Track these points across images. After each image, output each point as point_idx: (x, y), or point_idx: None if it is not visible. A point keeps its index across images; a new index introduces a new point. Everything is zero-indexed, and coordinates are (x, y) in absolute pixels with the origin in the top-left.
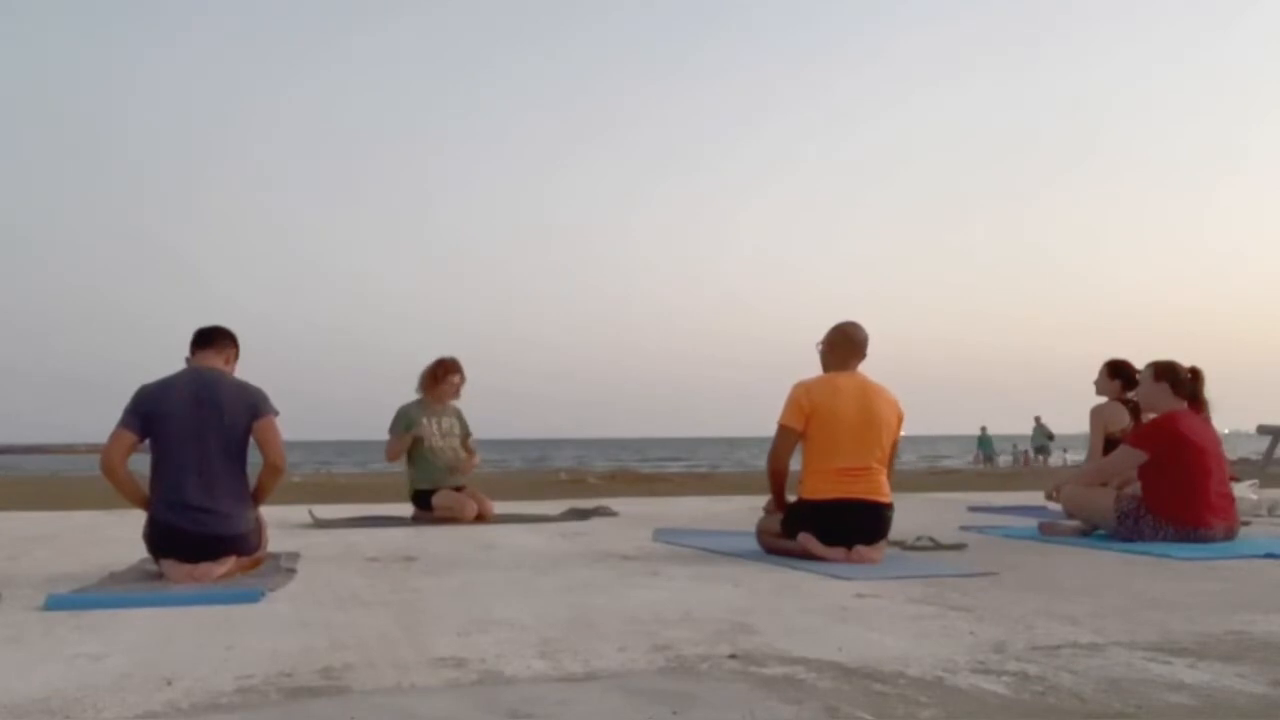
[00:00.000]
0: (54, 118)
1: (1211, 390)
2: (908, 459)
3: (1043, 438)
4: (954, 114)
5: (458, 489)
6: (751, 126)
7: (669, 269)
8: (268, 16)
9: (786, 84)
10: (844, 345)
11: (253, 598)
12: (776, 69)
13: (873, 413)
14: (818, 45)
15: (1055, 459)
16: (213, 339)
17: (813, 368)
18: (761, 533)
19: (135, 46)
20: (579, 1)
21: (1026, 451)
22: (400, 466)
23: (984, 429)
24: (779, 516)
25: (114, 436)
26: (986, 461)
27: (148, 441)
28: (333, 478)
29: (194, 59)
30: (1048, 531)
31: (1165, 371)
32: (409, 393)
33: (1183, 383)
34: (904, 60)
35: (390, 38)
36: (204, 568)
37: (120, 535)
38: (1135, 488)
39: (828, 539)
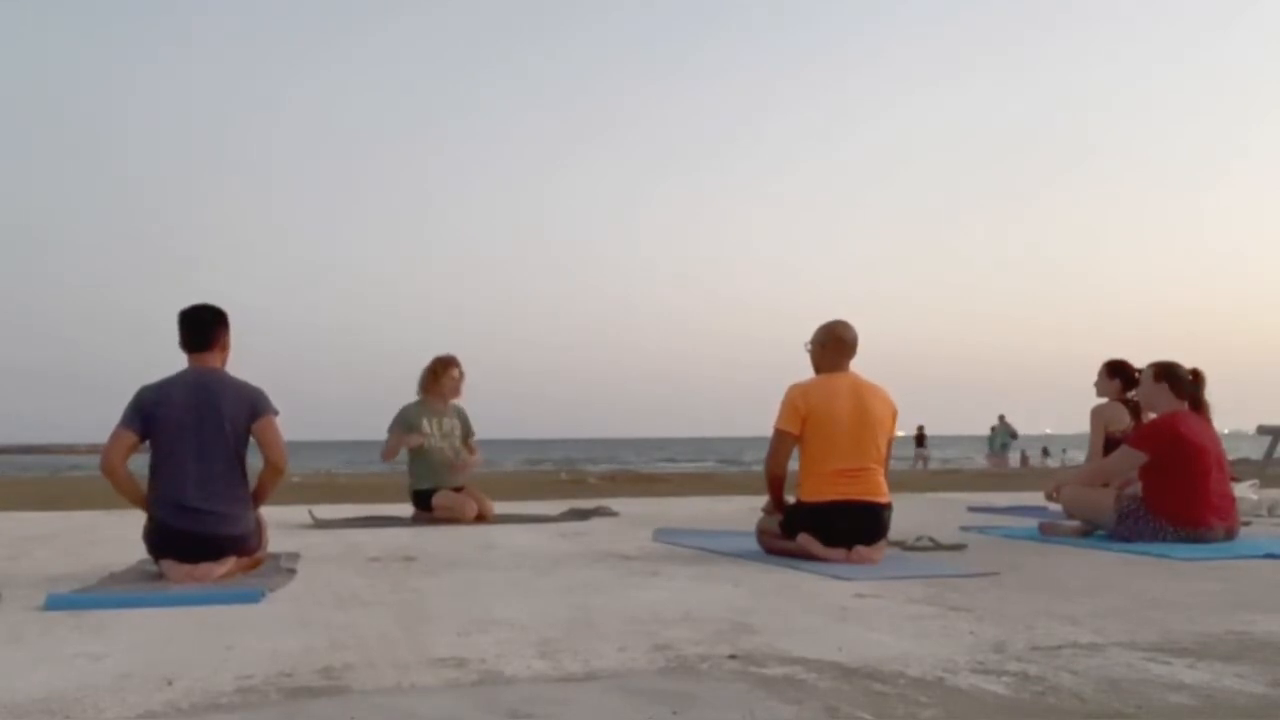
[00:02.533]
0: (55, 118)
1: (1213, 392)
2: (942, 454)
3: (1006, 436)
4: (954, 114)
5: (458, 489)
6: (752, 127)
7: (669, 269)
8: (268, 17)
9: (787, 84)
10: (835, 345)
11: (253, 598)
12: (778, 69)
13: (868, 413)
14: (818, 46)
15: (1053, 460)
16: (209, 339)
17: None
18: (761, 533)
19: (136, 47)
20: (579, 3)
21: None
22: (402, 465)
23: (994, 429)
24: (778, 517)
25: (114, 437)
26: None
27: (147, 442)
28: (333, 478)
29: (194, 60)
30: (1048, 532)
31: (1166, 372)
32: (409, 393)
33: (1183, 383)
34: (905, 60)
35: (390, 38)
36: (204, 568)
37: (120, 535)
38: (1136, 488)
39: (827, 540)
